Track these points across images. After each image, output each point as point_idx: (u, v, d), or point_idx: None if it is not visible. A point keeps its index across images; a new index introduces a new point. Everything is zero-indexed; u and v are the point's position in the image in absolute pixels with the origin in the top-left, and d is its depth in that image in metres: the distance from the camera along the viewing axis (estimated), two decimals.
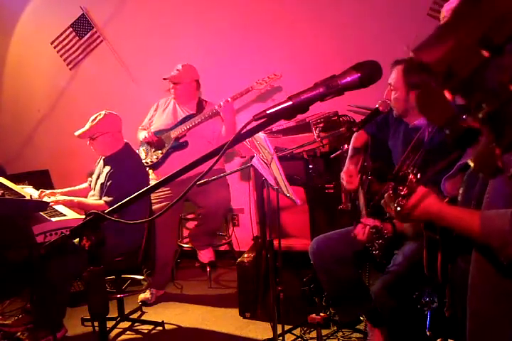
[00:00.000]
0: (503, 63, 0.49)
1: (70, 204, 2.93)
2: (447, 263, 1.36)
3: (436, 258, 1.38)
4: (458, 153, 1.26)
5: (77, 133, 2.96)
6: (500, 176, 1.09)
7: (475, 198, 1.24)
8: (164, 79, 3.50)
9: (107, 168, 2.94)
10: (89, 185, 3.22)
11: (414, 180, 1.29)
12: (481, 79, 0.51)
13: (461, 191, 1.33)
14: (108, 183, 2.87)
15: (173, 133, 3.49)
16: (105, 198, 2.83)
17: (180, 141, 3.49)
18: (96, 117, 2.95)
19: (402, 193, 1.28)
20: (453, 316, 1.40)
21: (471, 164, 0.53)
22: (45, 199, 2.92)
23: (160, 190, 3.40)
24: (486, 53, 0.49)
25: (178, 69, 3.50)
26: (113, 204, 2.74)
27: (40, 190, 3.08)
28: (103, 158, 3.07)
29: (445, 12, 1.21)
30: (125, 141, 3.07)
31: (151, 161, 3.53)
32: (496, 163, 0.55)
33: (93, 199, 2.96)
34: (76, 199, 2.93)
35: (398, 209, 1.29)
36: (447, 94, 0.53)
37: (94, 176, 3.11)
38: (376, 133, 2.44)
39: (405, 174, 1.30)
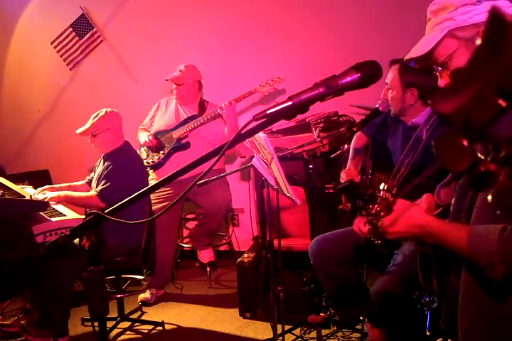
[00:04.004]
0: None
1: (57, 200, 2.92)
2: (442, 277, 1.34)
3: (431, 272, 1.36)
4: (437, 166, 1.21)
5: (78, 130, 3.00)
6: (489, 189, 1.07)
7: (465, 211, 1.20)
8: (167, 80, 3.50)
9: (106, 164, 2.98)
10: (87, 182, 3.23)
11: (389, 195, 1.26)
12: (499, 126, 0.52)
13: (453, 201, 1.29)
14: (103, 174, 2.90)
15: (175, 134, 3.49)
16: (98, 188, 2.85)
17: (182, 141, 3.49)
18: (97, 114, 2.99)
19: (373, 212, 1.24)
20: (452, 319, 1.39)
21: (490, 199, 0.54)
22: (38, 196, 2.93)
23: (161, 190, 3.40)
24: (503, 103, 0.51)
25: (180, 70, 3.49)
26: (104, 193, 2.78)
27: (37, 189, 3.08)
28: (103, 155, 3.09)
29: (429, 14, 1.21)
30: (125, 139, 3.09)
31: (153, 161, 3.53)
32: None
33: None
34: (63, 193, 2.93)
35: (371, 227, 1.24)
36: (465, 142, 0.54)
37: (95, 176, 3.11)
38: (375, 135, 2.45)
39: (374, 192, 1.27)
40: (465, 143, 0.54)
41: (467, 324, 1.17)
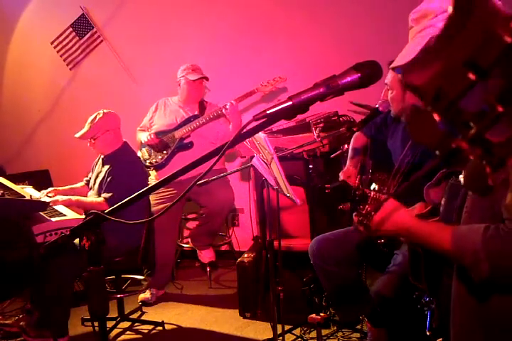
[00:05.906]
0: (488, 86, 0.51)
1: (68, 204, 2.92)
2: (433, 276, 1.34)
3: (421, 270, 1.36)
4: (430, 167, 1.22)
5: (77, 134, 2.96)
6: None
7: (456, 211, 1.20)
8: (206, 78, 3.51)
9: (106, 167, 2.96)
10: (86, 183, 3.22)
11: (380, 195, 1.26)
12: (468, 100, 0.52)
13: (443, 202, 1.29)
14: (107, 180, 2.88)
15: (178, 134, 3.47)
16: (104, 195, 2.84)
17: (185, 141, 3.48)
18: (95, 117, 2.96)
19: (363, 212, 1.25)
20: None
21: (462, 181, 0.54)
22: (45, 198, 2.92)
23: (164, 190, 3.40)
24: (472, 76, 0.51)
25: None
26: (112, 200, 2.76)
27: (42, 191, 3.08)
28: (102, 157, 3.07)
29: (410, 22, 1.21)
30: (124, 140, 3.08)
31: (156, 161, 3.52)
32: (487, 181, 0.56)
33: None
34: (74, 197, 2.92)
35: (361, 229, 1.26)
36: (435, 116, 0.54)
37: (93, 176, 3.11)
38: (375, 135, 2.45)
39: (364, 193, 1.27)
40: (436, 117, 0.54)
41: (459, 324, 1.17)
